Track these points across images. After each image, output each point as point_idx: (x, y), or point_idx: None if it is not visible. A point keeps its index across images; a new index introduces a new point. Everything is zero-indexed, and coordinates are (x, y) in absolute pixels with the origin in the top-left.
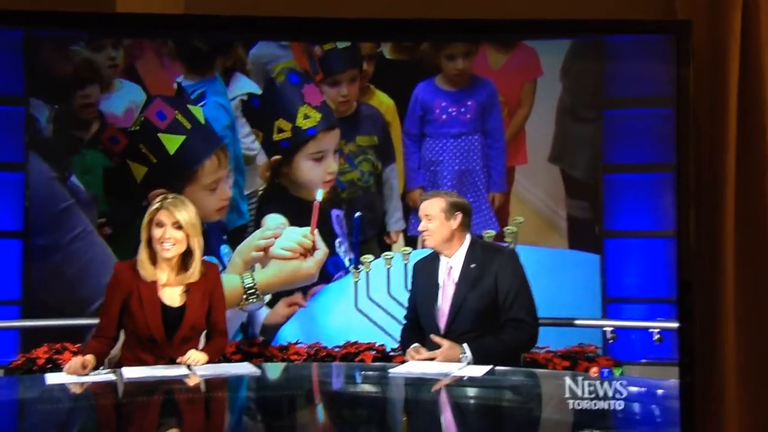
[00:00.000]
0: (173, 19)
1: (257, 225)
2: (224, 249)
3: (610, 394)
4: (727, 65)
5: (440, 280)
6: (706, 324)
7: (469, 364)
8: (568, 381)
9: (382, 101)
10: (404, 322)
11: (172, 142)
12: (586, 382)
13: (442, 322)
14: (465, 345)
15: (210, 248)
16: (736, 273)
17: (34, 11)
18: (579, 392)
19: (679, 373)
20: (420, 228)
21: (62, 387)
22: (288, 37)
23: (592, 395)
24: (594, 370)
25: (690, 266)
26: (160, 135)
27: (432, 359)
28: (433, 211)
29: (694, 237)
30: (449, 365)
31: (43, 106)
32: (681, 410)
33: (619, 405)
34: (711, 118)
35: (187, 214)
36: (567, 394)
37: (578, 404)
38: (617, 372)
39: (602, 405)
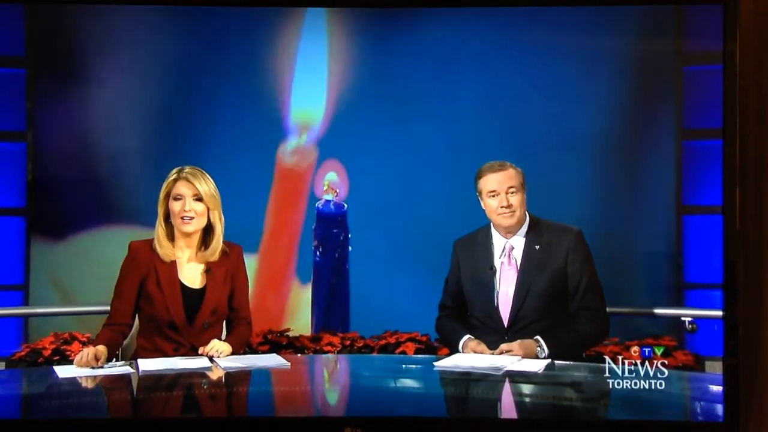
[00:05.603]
0: None
1: None
2: None
3: (651, 373)
4: None
5: (497, 263)
6: (749, 305)
7: (545, 358)
8: (607, 360)
9: None
10: (441, 312)
11: None
12: (626, 362)
13: (506, 310)
14: (539, 338)
15: None
16: None
17: None
18: (619, 372)
19: (723, 356)
20: (502, 203)
21: (74, 381)
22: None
23: (633, 375)
24: (635, 350)
25: (735, 245)
26: None
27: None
28: (516, 182)
29: (739, 214)
30: (501, 358)
31: None
32: (724, 392)
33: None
34: (758, 89)
35: (206, 185)
36: (607, 374)
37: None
38: (659, 351)
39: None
